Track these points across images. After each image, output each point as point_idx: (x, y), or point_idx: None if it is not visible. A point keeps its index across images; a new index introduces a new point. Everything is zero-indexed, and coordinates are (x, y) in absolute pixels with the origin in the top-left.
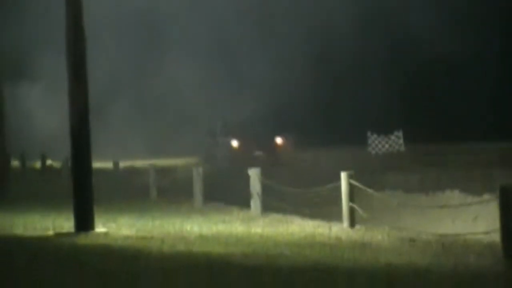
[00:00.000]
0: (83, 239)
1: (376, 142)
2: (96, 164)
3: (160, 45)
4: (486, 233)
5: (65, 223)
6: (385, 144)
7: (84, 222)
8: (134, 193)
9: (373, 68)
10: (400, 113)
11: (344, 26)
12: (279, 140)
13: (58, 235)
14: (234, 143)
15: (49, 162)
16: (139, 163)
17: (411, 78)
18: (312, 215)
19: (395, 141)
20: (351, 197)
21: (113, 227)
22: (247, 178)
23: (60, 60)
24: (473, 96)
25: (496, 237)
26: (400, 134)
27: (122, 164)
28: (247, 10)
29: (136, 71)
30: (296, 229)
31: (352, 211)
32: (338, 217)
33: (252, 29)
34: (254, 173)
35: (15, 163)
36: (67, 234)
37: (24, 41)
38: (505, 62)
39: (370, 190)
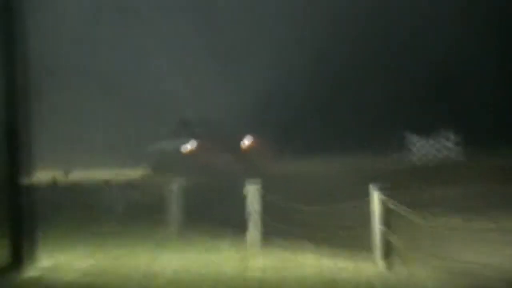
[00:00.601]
0: (21, 275)
1: (419, 146)
2: (38, 176)
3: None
4: None
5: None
6: (430, 149)
7: (23, 254)
8: (91, 213)
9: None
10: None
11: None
12: (248, 142)
13: None
14: (190, 146)
15: None
16: (96, 173)
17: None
18: (331, 244)
19: (445, 146)
20: (386, 222)
21: (62, 259)
22: (242, 194)
23: None
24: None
25: None
26: (453, 136)
27: (73, 176)
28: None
29: (90, 47)
30: (309, 265)
31: (387, 242)
32: (366, 247)
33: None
34: (252, 188)
35: None
36: (1, 270)
37: None
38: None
39: (411, 212)
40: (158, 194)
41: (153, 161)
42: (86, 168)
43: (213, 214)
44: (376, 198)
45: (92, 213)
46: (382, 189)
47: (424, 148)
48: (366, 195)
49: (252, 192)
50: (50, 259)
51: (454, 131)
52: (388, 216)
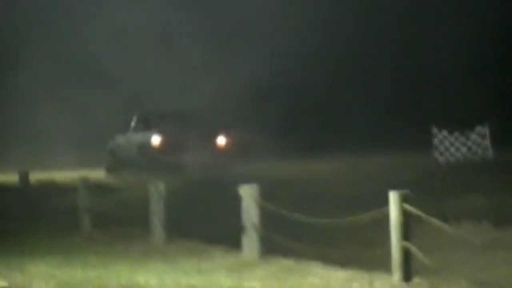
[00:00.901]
0: None
1: (447, 143)
2: None
3: None
4: None
5: None
6: (460, 146)
7: None
8: (55, 223)
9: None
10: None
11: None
12: (222, 139)
13: None
14: (155, 141)
15: None
16: (61, 175)
17: None
18: (342, 261)
19: (478, 143)
20: (406, 233)
21: (20, 279)
22: (236, 199)
23: None
24: None
25: None
26: (486, 131)
27: (34, 177)
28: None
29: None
30: (316, 284)
31: (407, 255)
32: (383, 264)
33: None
34: (248, 193)
35: None
36: None
37: None
38: None
39: (437, 222)
40: (140, 197)
41: (108, 159)
42: (46, 169)
43: (202, 223)
44: (395, 205)
45: (59, 218)
46: (401, 195)
47: (454, 147)
48: (383, 203)
49: (248, 198)
50: (4, 279)
51: (490, 127)
52: (407, 223)
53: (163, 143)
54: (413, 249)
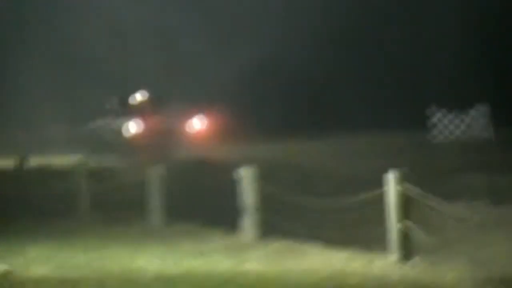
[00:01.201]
0: None
1: (444, 122)
2: None
3: None
4: None
5: None
6: (458, 125)
7: None
8: (54, 207)
9: None
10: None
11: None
12: (197, 123)
13: None
14: (134, 127)
15: None
16: (59, 159)
17: None
18: (341, 241)
19: (477, 122)
20: (404, 212)
21: (19, 263)
22: (229, 182)
23: None
24: None
25: None
26: (484, 110)
27: (33, 161)
28: None
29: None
30: (316, 264)
31: (405, 235)
32: (382, 244)
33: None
34: (248, 174)
35: None
36: None
37: None
38: None
39: (435, 201)
40: (138, 181)
41: (87, 143)
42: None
43: (204, 202)
44: (393, 184)
45: (58, 202)
46: (401, 174)
47: (452, 125)
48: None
49: (247, 180)
50: (4, 262)
51: (488, 106)
52: (405, 203)
53: (140, 129)
54: (412, 227)
